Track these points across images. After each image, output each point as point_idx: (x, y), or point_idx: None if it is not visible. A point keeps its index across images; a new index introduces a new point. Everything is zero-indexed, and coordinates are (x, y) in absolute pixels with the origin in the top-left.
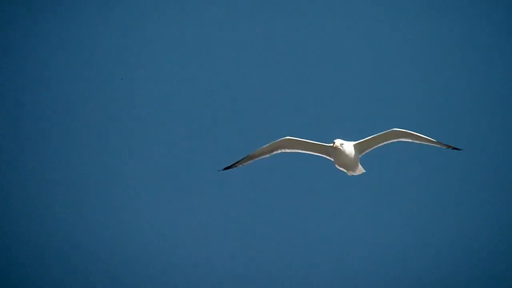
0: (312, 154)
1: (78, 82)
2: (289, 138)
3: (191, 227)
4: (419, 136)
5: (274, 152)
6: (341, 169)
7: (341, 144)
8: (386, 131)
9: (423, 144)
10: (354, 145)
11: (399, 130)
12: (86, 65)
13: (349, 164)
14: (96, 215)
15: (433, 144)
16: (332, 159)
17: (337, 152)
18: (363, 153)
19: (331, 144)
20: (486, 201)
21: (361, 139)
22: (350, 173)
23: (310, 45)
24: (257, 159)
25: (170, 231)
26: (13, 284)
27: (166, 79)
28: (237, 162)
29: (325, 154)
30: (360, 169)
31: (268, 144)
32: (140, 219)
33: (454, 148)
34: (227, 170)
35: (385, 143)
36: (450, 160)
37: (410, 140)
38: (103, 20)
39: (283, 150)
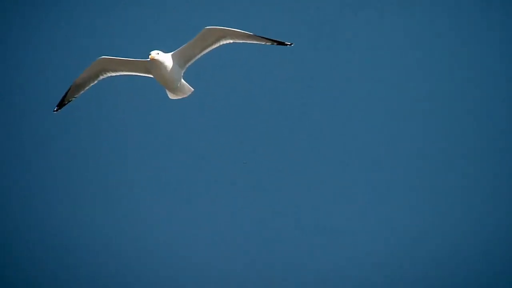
0: (136, 75)
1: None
2: (106, 58)
3: (193, 229)
4: (237, 31)
5: (100, 77)
6: (168, 92)
7: (157, 54)
8: (199, 34)
9: (252, 42)
10: (172, 55)
11: (211, 28)
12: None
13: (172, 78)
14: (98, 216)
15: (258, 42)
16: (152, 76)
17: (153, 65)
18: (186, 65)
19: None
20: (485, 200)
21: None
22: (175, 95)
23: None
24: (85, 87)
25: (171, 232)
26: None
27: None
28: (65, 95)
29: (144, 72)
30: (187, 88)
31: (87, 68)
32: (141, 220)
33: (282, 44)
34: (62, 108)
35: (209, 49)
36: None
37: (233, 40)
38: (103, 21)
39: (107, 74)
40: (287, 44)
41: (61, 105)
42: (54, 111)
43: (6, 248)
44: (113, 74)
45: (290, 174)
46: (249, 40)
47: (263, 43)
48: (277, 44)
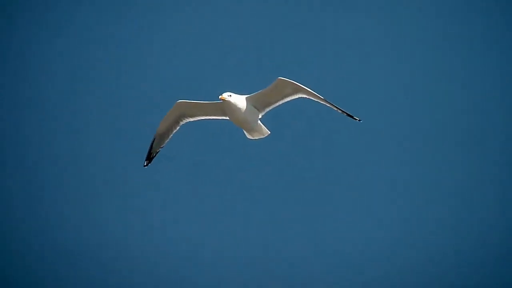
0: (215, 119)
1: (81, 83)
2: (183, 101)
3: (193, 230)
4: (308, 91)
5: (181, 123)
6: (246, 132)
7: (229, 96)
8: (273, 83)
9: (323, 104)
10: (247, 98)
11: (284, 80)
12: (93, 65)
13: (244, 119)
14: (97, 217)
15: (331, 107)
16: (228, 118)
17: (227, 106)
18: (265, 110)
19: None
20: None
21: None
22: (252, 136)
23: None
24: (169, 136)
25: (172, 232)
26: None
27: (166, 79)
28: (151, 147)
29: (221, 115)
30: (263, 129)
31: (166, 115)
32: (140, 219)
33: (353, 118)
34: (152, 160)
35: (285, 100)
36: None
37: (308, 97)
38: (103, 20)
39: (185, 120)
40: (355, 119)
41: (149, 158)
42: (144, 165)
43: (5, 248)
44: (192, 119)
45: (290, 174)
46: (320, 101)
47: (334, 109)
48: (346, 115)
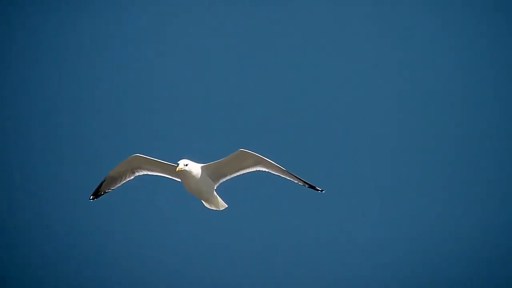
0: (168, 178)
1: (79, 83)
2: (138, 156)
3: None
4: (270, 163)
5: (136, 174)
6: (198, 198)
7: (185, 165)
8: (233, 153)
9: (283, 177)
10: (202, 167)
11: (246, 152)
12: (89, 65)
13: (199, 189)
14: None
15: (292, 180)
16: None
17: (182, 174)
18: (220, 181)
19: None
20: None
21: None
22: (209, 205)
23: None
24: (122, 181)
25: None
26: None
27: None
28: (100, 186)
29: (176, 177)
30: (219, 202)
31: (120, 163)
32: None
33: (315, 189)
34: (99, 197)
35: (242, 172)
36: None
37: (267, 170)
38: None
39: (141, 171)
40: (317, 190)
41: (96, 194)
42: (90, 199)
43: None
44: (149, 173)
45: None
46: (282, 175)
47: (295, 181)
48: (308, 187)
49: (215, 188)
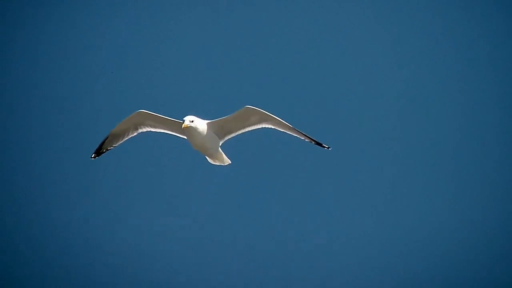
0: (172, 135)
1: (76, 82)
2: (143, 112)
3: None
4: (277, 120)
5: (139, 130)
6: (203, 154)
7: (191, 121)
8: (239, 110)
9: (289, 134)
10: (208, 124)
11: (252, 108)
12: (83, 63)
13: (204, 146)
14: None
15: (299, 136)
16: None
17: (187, 131)
18: (225, 138)
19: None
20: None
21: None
22: (213, 161)
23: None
24: (124, 138)
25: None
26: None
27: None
28: (102, 143)
29: (181, 133)
30: (224, 158)
31: (124, 119)
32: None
33: (321, 145)
34: (100, 156)
35: (248, 129)
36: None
37: (274, 127)
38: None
39: (144, 128)
40: (324, 147)
41: (98, 152)
42: (91, 157)
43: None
44: (152, 129)
45: (289, 172)
46: (289, 132)
47: (302, 138)
48: (314, 144)
49: (220, 144)
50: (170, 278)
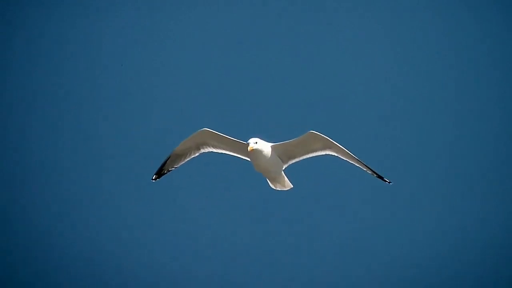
0: (236, 156)
1: (75, 81)
2: (207, 130)
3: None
4: (341, 148)
5: (202, 150)
6: (268, 181)
7: (255, 143)
8: (303, 135)
9: (351, 163)
10: (272, 147)
11: (316, 134)
12: (84, 63)
13: (267, 168)
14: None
15: (361, 167)
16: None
17: (252, 153)
18: (289, 162)
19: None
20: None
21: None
22: (274, 186)
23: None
24: (186, 158)
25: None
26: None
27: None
28: (164, 163)
29: (244, 155)
30: (286, 182)
31: (187, 138)
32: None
33: (383, 180)
34: (161, 177)
35: (311, 154)
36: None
37: (337, 155)
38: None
39: (207, 148)
40: (385, 181)
41: (159, 173)
42: (152, 179)
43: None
44: (214, 150)
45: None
46: (351, 161)
47: (363, 169)
48: (376, 177)
49: (283, 168)
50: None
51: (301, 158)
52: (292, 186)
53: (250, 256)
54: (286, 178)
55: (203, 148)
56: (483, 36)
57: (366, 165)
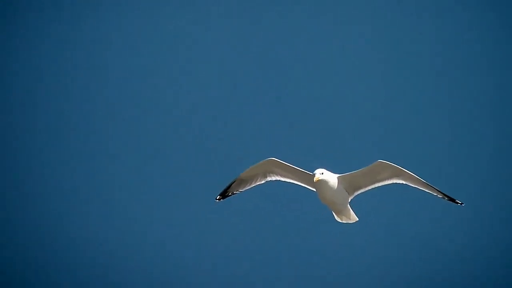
0: (301, 185)
1: (74, 83)
2: (274, 160)
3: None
4: (414, 176)
5: (268, 178)
6: (334, 214)
7: (321, 174)
8: (372, 164)
9: (422, 190)
10: (338, 178)
11: (384, 163)
12: (84, 64)
13: (333, 200)
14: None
15: (431, 192)
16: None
17: (318, 184)
18: (354, 193)
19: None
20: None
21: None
22: (340, 218)
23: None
24: (252, 184)
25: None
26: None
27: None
28: (229, 187)
29: (310, 186)
30: (351, 215)
31: (254, 165)
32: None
33: (454, 202)
34: (225, 198)
35: (378, 184)
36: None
37: (406, 182)
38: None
39: (273, 176)
40: (458, 203)
41: (224, 195)
42: (216, 199)
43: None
44: (281, 178)
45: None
46: (421, 187)
47: (434, 194)
48: (447, 200)
49: (349, 200)
50: None
51: (367, 188)
52: (357, 219)
53: (256, 257)
54: (351, 211)
55: (270, 176)
56: (482, 36)
57: (436, 189)
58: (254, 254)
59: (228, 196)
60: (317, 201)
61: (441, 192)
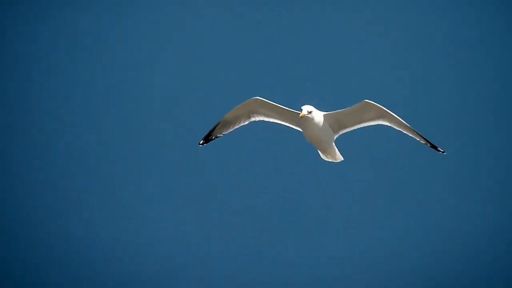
0: (285, 125)
1: (73, 81)
2: (259, 99)
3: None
4: (396, 117)
5: (252, 119)
6: (316, 147)
7: (309, 112)
8: (357, 104)
9: (405, 133)
10: (325, 116)
11: (370, 103)
12: (84, 62)
13: (319, 138)
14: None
15: (414, 137)
16: (302, 131)
17: (304, 121)
18: (339, 132)
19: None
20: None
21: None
22: (325, 157)
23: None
24: (235, 126)
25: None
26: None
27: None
28: (213, 129)
29: (295, 125)
30: (337, 154)
31: (239, 105)
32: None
33: (436, 149)
34: (208, 142)
35: (363, 124)
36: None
37: (390, 124)
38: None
39: (257, 117)
40: (439, 150)
41: (207, 139)
42: (199, 144)
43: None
44: (265, 119)
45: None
46: (405, 131)
47: (417, 139)
48: (429, 146)
49: (334, 139)
50: None
51: (352, 128)
52: (342, 158)
53: (255, 257)
54: (337, 150)
55: (254, 117)
56: (482, 36)
57: (420, 135)
58: (254, 254)
59: (211, 139)
60: (317, 201)
61: (424, 138)
